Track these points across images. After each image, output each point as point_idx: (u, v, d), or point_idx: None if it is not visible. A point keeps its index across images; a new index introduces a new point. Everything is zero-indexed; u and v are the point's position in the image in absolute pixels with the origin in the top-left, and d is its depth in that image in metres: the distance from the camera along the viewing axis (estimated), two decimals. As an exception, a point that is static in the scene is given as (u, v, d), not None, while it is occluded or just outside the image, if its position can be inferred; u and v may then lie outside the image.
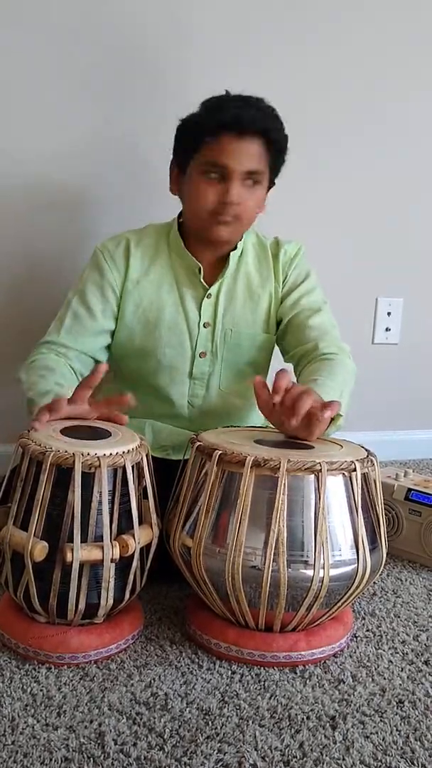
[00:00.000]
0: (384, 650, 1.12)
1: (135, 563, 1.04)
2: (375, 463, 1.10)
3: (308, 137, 1.84)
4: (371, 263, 2.07)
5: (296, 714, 0.94)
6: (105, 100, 1.70)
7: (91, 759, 0.84)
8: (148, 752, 0.86)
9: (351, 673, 1.05)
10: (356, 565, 1.04)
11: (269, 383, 1.52)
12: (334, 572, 1.02)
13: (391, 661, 1.09)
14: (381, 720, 0.94)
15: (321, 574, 1.01)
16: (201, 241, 1.39)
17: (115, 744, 0.87)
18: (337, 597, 1.05)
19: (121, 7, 1.68)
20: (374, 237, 2.05)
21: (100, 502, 1.01)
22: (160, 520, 1.11)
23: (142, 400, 1.43)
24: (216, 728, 0.91)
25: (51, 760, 0.83)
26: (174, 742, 0.88)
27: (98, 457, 1.00)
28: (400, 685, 1.03)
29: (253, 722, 0.92)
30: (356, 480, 1.05)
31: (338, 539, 1.04)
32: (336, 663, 1.08)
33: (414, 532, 1.47)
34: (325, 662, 1.07)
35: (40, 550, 0.98)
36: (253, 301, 1.42)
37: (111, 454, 1.02)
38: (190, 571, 1.08)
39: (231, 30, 1.78)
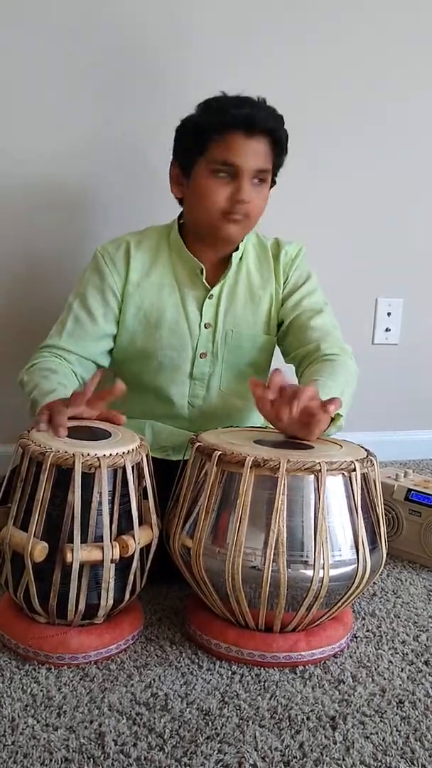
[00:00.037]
0: (384, 650, 1.12)
1: (135, 564, 1.04)
2: (375, 463, 1.10)
3: (308, 137, 1.84)
4: (371, 263, 2.07)
5: (296, 714, 0.94)
6: (105, 100, 1.70)
7: (91, 759, 0.84)
8: (148, 753, 0.86)
9: (351, 673, 1.05)
10: (356, 565, 1.04)
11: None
12: (333, 572, 1.02)
13: (391, 662, 1.09)
14: (381, 720, 0.94)
15: (321, 575, 1.01)
16: (203, 242, 1.39)
17: (115, 744, 0.87)
18: (337, 597, 1.05)
19: (121, 7, 1.68)
20: (374, 237, 2.05)
21: (100, 503, 1.01)
22: (160, 520, 1.11)
23: (143, 400, 1.43)
24: (216, 728, 0.91)
25: (51, 760, 0.83)
26: (174, 743, 0.88)
27: (98, 458, 1.00)
28: (400, 685, 1.03)
29: (253, 722, 0.92)
30: (356, 480, 1.05)
31: (338, 539, 1.04)
32: (336, 663, 1.08)
33: (414, 532, 1.47)
34: (325, 662, 1.07)
35: (40, 550, 0.98)
36: (254, 302, 1.42)
37: (111, 454, 1.02)
38: (189, 571, 1.08)
39: (231, 30, 1.78)
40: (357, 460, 1.06)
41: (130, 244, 1.40)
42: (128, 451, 1.04)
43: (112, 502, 1.02)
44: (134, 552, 1.03)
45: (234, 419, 1.42)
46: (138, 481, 1.07)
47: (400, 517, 1.49)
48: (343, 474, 1.05)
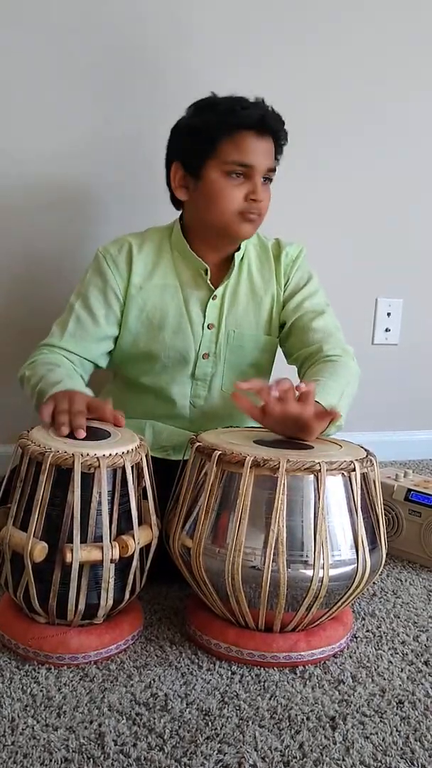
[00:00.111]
0: (384, 651, 1.12)
1: (135, 564, 1.04)
2: (374, 463, 1.11)
3: (308, 137, 1.84)
4: (371, 263, 2.07)
5: (296, 714, 0.94)
6: (105, 100, 1.70)
7: (91, 759, 0.84)
8: (148, 753, 0.85)
9: (351, 673, 1.05)
10: (356, 565, 1.04)
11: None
12: (333, 572, 1.02)
13: (391, 662, 1.09)
14: (381, 720, 0.94)
15: (321, 574, 1.01)
16: (207, 243, 1.39)
17: (115, 744, 0.87)
18: (337, 597, 1.05)
19: (121, 7, 1.68)
20: (374, 237, 2.05)
21: (99, 503, 1.01)
22: (160, 520, 1.11)
23: (143, 400, 1.43)
24: (216, 729, 0.91)
25: (51, 760, 0.83)
26: (174, 743, 0.88)
27: (98, 458, 1.00)
28: (400, 685, 1.03)
29: (253, 723, 0.92)
30: (356, 480, 1.05)
31: (338, 539, 1.04)
32: (336, 663, 1.08)
33: (414, 532, 1.47)
34: (324, 663, 1.07)
35: (39, 550, 0.98)
36: (256, 302, 1.42)
37: (110, 454, 1.02)
38: (189, 571, 1.08)
39: (231, 30, 1.78)
40: (357, 460, 1.06)
41: (132, 245, 1.40)
42: (128, 451, 1.04)
43: (111, 502, 1.02)
44: (134, 552, 1.03)
45: (235, 419, 1.42)
46: (137, 481, 1.07)
47: (399, 517, 1.49)
48: (342, 474, 1.05)
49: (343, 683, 1.02)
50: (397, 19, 1.95)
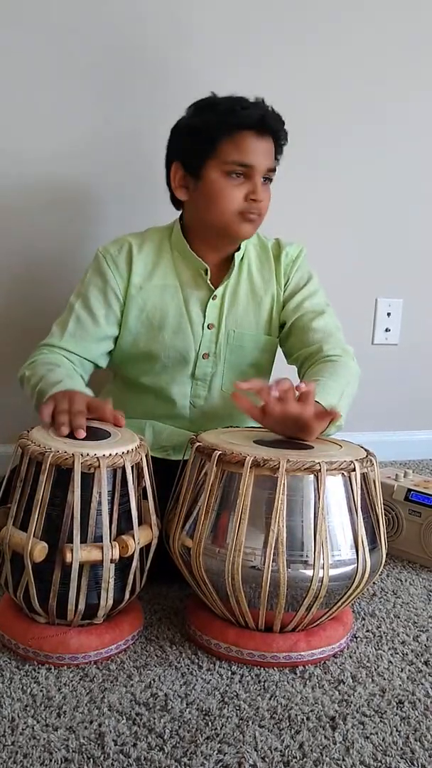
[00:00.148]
0: (384, 651, 1.12)
1: (135, 564, 1.04)
2: (374, 463, 1.11)
3: (308, 137, 1.84)
4: (371, 263, 2.07)
5: (296, 714, 0.94)
6: (105, 100, 1.70)
7: (91, 760, 0.84)
8: (148, 753, 0.85)
9: (351, 673, 1.05)
10: (356, 565, 1.04)
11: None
12: (333, 572, 1.02)
13: (391, 662, 1.09)
14: (381, 720, 0.94)
15: (321, 574, 1.01)
16: (207, 243, 1.39)
17: (115, 744, 0.87)
18: (337, 597, 1.05)
19: (121, 7, 1.68)
20: (374, 237, 2.05)
21: (99, 503, 1.01)
22: (160, 520, 1.11)
23: (143, 400, 1.43)
24: (216, 729, 0.91)
25: (51, 760, 0.83)
26: (174, 743, 0.88)
27: (98, 458, 1.00)
28: (400, 685, 1.03)
29: (253, 723, 0.92)
30: (355, 480, 1.05)
31: (338, 539, 1.04)
32: (336, 663, 1.08)
33: (414, 532, 1.47)
34: (324, 663, 1.07)
35: (39, 550, 0.98)
36: (256, 302, 1.42)
37: (110, 454, 1.02)
38: (189, 571, 1.08)
39: (231, 30, 1.78)
40: (357, 459, 1.06)
41: (132, 245, 1.40)
42: (128, 451, 1.04)
43: (111, 502, 1.02)
44: (134, 552, 1.03)
45: (235, 419, 1.42)
46: (137, 481, 1.07)
47: (400, 517, 1.49)
48: (342, 474, 1.05)
49: (343, 683, 1.02)
50: (397, 19, 1.95)
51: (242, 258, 1.42)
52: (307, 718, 0.94)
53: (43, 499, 1.00)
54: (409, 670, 1.07)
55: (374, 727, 0.93)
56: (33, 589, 1.01)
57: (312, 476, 1.03)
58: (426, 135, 2.06)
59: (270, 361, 1.48)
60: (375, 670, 1.06)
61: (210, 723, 0.92)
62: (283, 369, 1.47)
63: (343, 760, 0.86)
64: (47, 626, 1.04)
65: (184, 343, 1.40)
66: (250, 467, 1.02)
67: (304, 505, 1.03)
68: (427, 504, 1.45)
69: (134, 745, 0.87)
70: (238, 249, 1.40)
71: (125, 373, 1.46)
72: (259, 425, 1.18)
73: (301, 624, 1.06)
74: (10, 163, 1.65)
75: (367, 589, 1.30)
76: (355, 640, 1.15)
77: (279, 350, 1.49)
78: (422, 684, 1.03)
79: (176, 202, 1.41)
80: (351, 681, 1.03)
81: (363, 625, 1.20)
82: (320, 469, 1.02)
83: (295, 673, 1.04)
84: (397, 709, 0.97)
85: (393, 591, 1.33)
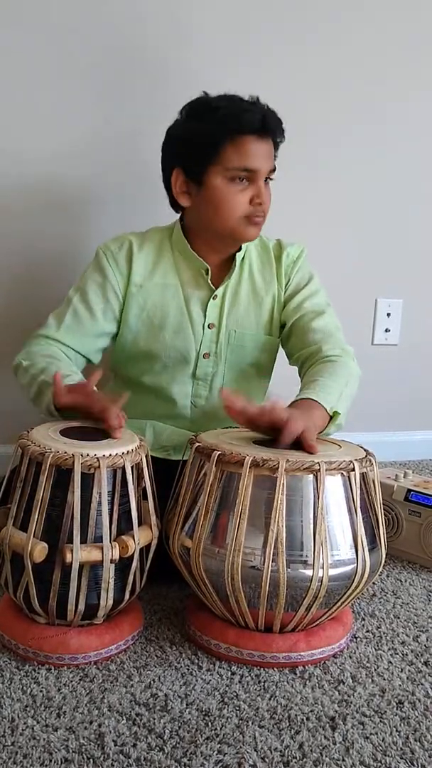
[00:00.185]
0: (384, 651, 1.12)
1: (134, 564, 1.04)
2: (373, 463, 1.11)
3: (308, 137, 1.84)
4: (371, 264, 2.07)
5: (296, 715, 0.94)
6: (105, 100, 1.70)
7: (91, 760, 0.84)
8: (147, 753, 0.86)
9: (351, 673, 1.05)
10: (355, 564, 1.04)
11: (272, 385, 1.53)
12: (333, 572, 1.02)
13: (390, 662, 1.09)
14: (381, 721, 0.94)
15: (320, 574, 1.01)
16: (209, 244, 1.39)
17: (115, 745, 0.87)
18: (337, 597, 1.06)
19: (121, 7, 1.68)
20: (374, 237, 2.05)
21: (99, 503, 1.01)
22: (160, 520, 1.11)
23: (144, 400, 1.43)
24: (216, 729, 0.91)
25: (51, 761, 0.83)
26: (174, 743, 0.88)
27: (98, 458, 1.00)
28: (400, 685, 1.03)
29: (252, 723, 0.92)
30: (355, 480, 1.05)
31: (337, 539, 1.04)
32: (336, 664, 1.08)
33: (414, 533, 1.47)
34: (324, 663, 1.07)
35: (39, 550, 0.98)
36: (257, 302, 1.43)
37: (110, 455, 1.02)
38: (189, 571, 1.08)
39: (231, 30, 1.78)
40: (356, 459, 1.06)
41: (132, 243, 1.40)
42: (128, 452, 1.04)
43: (111, 503, 1.02)
44: (134, 552, 1.03)
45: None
46: (137, 482, 1.07)
47: (399, 517, 1.49)
48: (342, 474, 1.05)
49: (343, 683, 1.03)
50: (397, 19, 1.95)
51: (243, 258, 1.42)
52: (307, 719, 0.94)
53: (43, 499, 1.00)
54: (409, 671, 1.07)
55: (374, 728, 0.93)
56: (33, 589, 1.01)
57: (311, 476, 1.03)
58: (426, 135, 2.06)
59: (271, 361, 1.48)
60: (375, 670, 1.07)
61: (210, 723, 0.92)
62: (284, 370, 1.48)
63: (343, 760, 0.86)
64: (47, 626, 1.04)
65: (184, 342, 1.40)
66: (250, 467, 1.02)
67: (304, 505, 1.03)
68: (426, 504, 1.45)
69: (134, 745, 0.87)
70: (239, 249, 1.40)
71: (126, 372, 1.46)
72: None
73: (300, 624, 1.06)
74: (10, 163, 1.65)
75: (367, 590, 1.30)
76: (354, 640, 1.15)
77: (281, 351, 1.49)
78: (422, 684, 1.03)
79: (176, 206, 1.40)
80: (351, 681, 1.03)
81: (363, 625, 1.20)
82: (319, 469, 1.02)
83: (295, 674, 1.04)
84: (396, 709, 0.97)
85: (393, 591, 1.33)
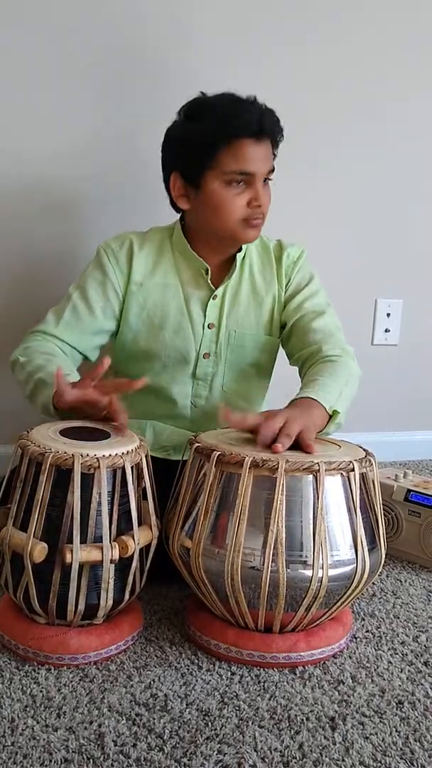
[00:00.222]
0: (383, 651, 1.12)
1: (134, 564, 1.04)
2: (373, 463, 1.11)
3: (308, 137, 1.84)
4: (371, 264, 2.07)
5: (296, 715, 0.94)
6: (105, 100, 1.70)
7: (91, 760, 0.84)
8: (147, 753, 0.86)
9: (350, 674, 1.05)
10: (355, 565, 1.04)
11: (272, 385, 1.53)
12: (333, 572, 1.02)
13: (390, 662, 1.09)
14: (380, 721, 0.94)
15: (320, 574, 1.01)
16: (209, 245, 1.39)
17: (115, 745, 0.87)
18: (336, 597, 1.06)
19: (121, 7, 1.68)
20: (374, 237, 2.05)
21: (99, 503, 1.01)
22: (160, 521, 1.11)
23: (144, 400, 1.43)
24: (216, 729, 0.91)
25: (51, 761, 0.83)
26: (174, 743, 0.88)
27: (97, 458, 1.00)
28: (400, 686, 1.03)
29: (252, 723, 0.92)
30: (354, 480, 1.05)
31: (337, 539, 1.04)
32: (335, 664, 1.08)
33: (413, 533, 1.47)
34: (324, 663, 1.08)
35: (39, 551, 0.98)
36: (257, 302, 1.43)
37: (110, 455, 1.02)
38: (189, 572, 1.08)
39: (231, 30, 1.77)
40: (355, 460, 1.06)
41: (133, 242, 1.40)
42: (127, 452, 1.04)
43: (111, 503, 1.02)
44: (134, 552, 1.03)
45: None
46: (137, 482, 1.07)
47: (399, 517, 1.49)
48: (341, 474, 1.05)
49: (343, 683, 1.03)
50: (397, 19, 1.95)
51: (243, 259, 1.42)
52: (307, 719, 0.94)
53: (43, 499, 1.00)
54: (409, 671, 1.07)
55: (374, 728, 0.93)
56: (33, 589, 1.01)
57: (311, 476, 1.03)
58: (426, 135, 2.06)
59: (271, 361, 1.48)
60: (374, 670, 1.07)
61: (210, 723, 0.92)
62: (284, 370, 1.47)
63: (343, 760, 0.86)
64: (47, 627, 1.04)
65: (184, 342, 1.40)
66: (249, 468, 1.02)
67: (303, 505, 1.03)
68: (426, 504, 1.45)
69: (134, 745, 0.87)
70: (240, 250, 1.40)
71: (126, 372, 1.46)
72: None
73: (300, 624, 1.06)
74: (10, 163, 1.65)
75: (367, 590, 1.30)
76: (354, 640, 1.15)
77: (281, 351, 1.49)
78: (422, 684, 1.03)
79: (176, 207, 1.40)
80: (351, 681, 1.03)
81: (362, 625, 1.20)
82: (319, 470, 1.02)
83: (295, 674, 1.04)
84: (396, 709, 0.97)
85: (392, 591, 1.33)
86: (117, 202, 1.74)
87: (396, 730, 0.92)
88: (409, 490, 1.48)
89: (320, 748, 0.88)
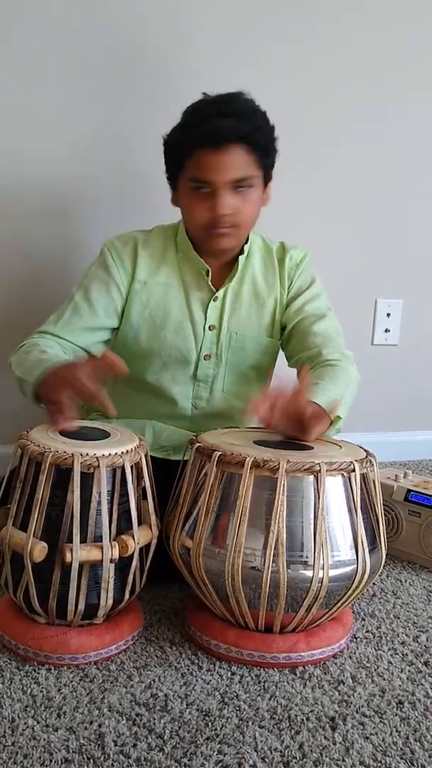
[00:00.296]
0: (384, 651, 1.12)
1: (134, 563, 1.04)
2: (374, 464, 1.11)
3: (308, 137, 1.84)
4: (371, 264, 2.07)
5: (296, 715, 0.94)
6: (105, 100, 1.70)
7: (91, 760, 0.84)
8: (147, 753, 0.85)
9: (351, 674, 1.05)
10: (356, 565, 1.04)
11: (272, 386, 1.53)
12: (333, 573, 1.02)
13: (390, 662, 1.09)
14: (381, 721, 0.94)
15: (320, 575, 1.01)
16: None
17: (115, 745, 0.87)
18: (337, 597, 1.05)
19: (121, 7, 1.68)
20: (374, 238, 2.05)
21: (99, 503, 1.01)
22: (160, 520, 1.11)
23: (145, 400, 1.43)
24: (216, 729, 0.91)
25: (51, 761, 0.83)
26: (174, 743, 0.88)
27: (97, 458, 1.00)
28: (400, 686, 1.03)
29: (252, 723, 0.92)
30: (355, 480, 1.05)
31: (337, 540, 1.04)
32: (336, 664, 1.08)
33: (413, 533, 1.47)
34: (324, 663, 1.07)
35: (39, 550, 0.98)
36: (259, 305, 1.43)
37: (110, 454, 1.02)
38: (189, 572, 1.08)
39: (231, 30, 1.77)
40: (356, 460, 1.06)
41: (137, 241, 1.40)
42: (127, 451, 1.04)
43: (111, 502, 1.02)
44: (133, 552, 1.03)
45: (236, 421, 1.42)
46: (137, 481, 1.07)
47: (399, 517, 1.49)
48: (342, 474, 1.05)
49: (343, 684, 1.02)
50: (397, 19, 1.95)
51: (246, 260, 1.42)
52: (307, 719, 0.94)
53: (43, 499, 1.00)
54: (409, 671, 1.07)
55: (374, 728, 0.93)
56: (33, 589, 1.01)
57: (312, 477, 1.03)
58: (426, 135, 2.06)
59: (271, 363, 1.48)
60: (375, 670, 1.06)
61: (210, 723, 0.92)
62: (284, 371, 1.47)
63: (343, 760, 0.86)
64: (47, 626, 1.04)
65: (185, 343, 1.40)
66: (250, 468, 1.02)
67: (304, 505, 1.03)
68: (426, 504, 1.45)
69: (134, 745, 0.87)
70: (242, 252, 1.40)
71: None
72: (260, 426, 1.18)
73: (300, 624, 1.06)
74: (10, 163, 1.65)
75: (367, 590, 1.30)
76: (354, 640, 1.15)
77: (281, 353, 1.49)
78: (422, 684, 1.03)
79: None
80: (351, 681, 1.03)
81: (363, 625, 1.20)
82: (320, 470, 1.02)
83: (295, 674, 1.04)
84: (396, 709, 0.97)
85: (393, 592, 1.33)
86: (117, 202, 1.74)
87: (396, 730, 0.92)
88: (409, 490, 1.48)
89: (320, 748, 0.88)
